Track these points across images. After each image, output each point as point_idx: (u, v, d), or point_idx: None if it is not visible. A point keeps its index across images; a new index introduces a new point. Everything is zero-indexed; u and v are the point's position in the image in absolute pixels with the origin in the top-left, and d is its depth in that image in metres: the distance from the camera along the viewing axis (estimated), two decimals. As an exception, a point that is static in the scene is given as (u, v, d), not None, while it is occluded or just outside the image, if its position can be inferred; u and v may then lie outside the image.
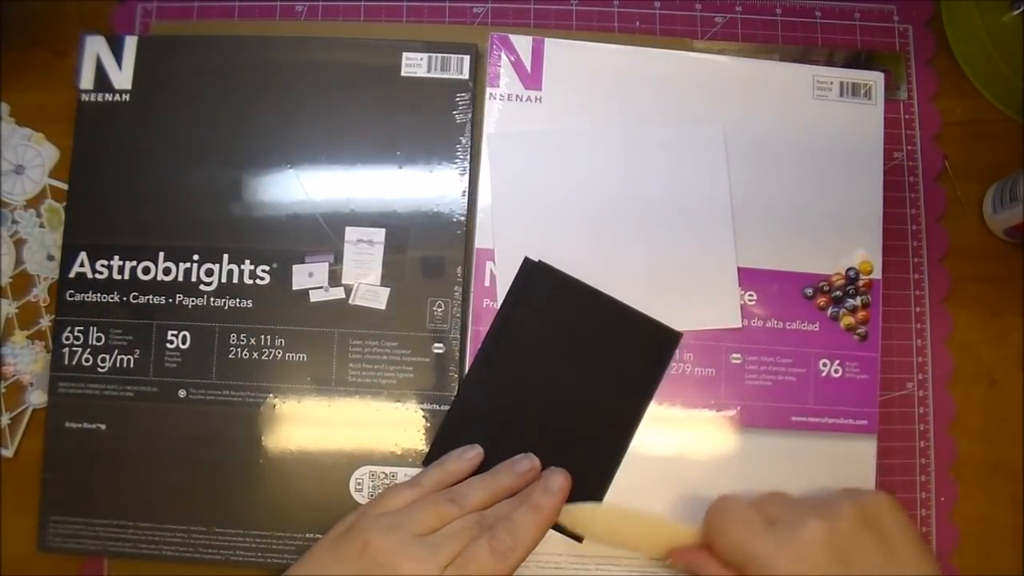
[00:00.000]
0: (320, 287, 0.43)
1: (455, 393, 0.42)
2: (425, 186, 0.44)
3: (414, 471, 0.42)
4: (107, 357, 0.43)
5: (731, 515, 0.36)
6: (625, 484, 0.42)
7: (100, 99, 0.45)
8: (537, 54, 0.45)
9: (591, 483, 0.41)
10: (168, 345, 0.43)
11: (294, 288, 0.43)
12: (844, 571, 0.33)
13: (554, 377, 0.41)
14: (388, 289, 0.43)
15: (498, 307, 0.42)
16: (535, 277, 0.42)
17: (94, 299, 0.44)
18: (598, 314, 0.42)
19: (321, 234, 0.44)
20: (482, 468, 0.40)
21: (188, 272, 0.44)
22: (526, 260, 0.42)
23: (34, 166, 0.47)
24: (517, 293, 0.42)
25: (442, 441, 0.41)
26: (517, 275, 0.42)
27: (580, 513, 0.38)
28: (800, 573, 0.33)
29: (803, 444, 0.42)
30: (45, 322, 0.46)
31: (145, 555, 0.42)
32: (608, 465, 0.41)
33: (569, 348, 0.42)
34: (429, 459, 0.41)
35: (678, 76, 0.45)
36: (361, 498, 0.42)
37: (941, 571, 0.34)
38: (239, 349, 0.43)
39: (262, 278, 0.43)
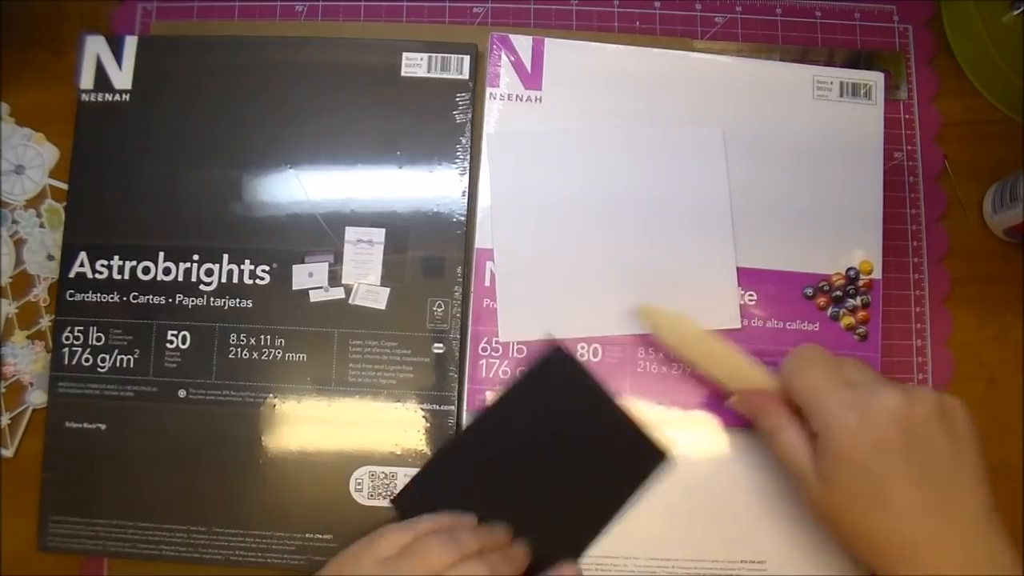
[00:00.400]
0: (320, 287, 0.43)
1: (447, 438, 0.42)
2: (425, 186, 0.44)
3: (414, 471, 0.42)
4: (107, 357, 0.43)
5: (816, 361, 0.35)
6: (625, 484, 0.42)
7: (100, 99, 0.45)
8: (537, 54, 0.45)
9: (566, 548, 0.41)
10: (168, 345, 0.43)
11: (294, 288, 0.43)
12: (909, 450, 0.33)
13: (537, 460, 0.41)
14: (388, 289, 0.43)
15: (507, 390, 0.41)
16: (555, 363, 0.41)
17: (94, 299, 0.44)
18: (600, 413, 0.41)
19: (321, 234, 0.44)
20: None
21: (188, 272, 0.44)
22: (553, 348, 0.41)
23: (34, 166, 0.47)
24: (533, 375, 0.41)
25: (421, 479, 0.41)
26: (541, 357, 0.41)
27: (671, 319, 0.41)
28: (866, 437, 0.33)
29: (803, 444, 0.42)
30: (45, 322, 0.46)
31: (145, 555, 0.42)
32: (575, 548, 0.41)
33: (560, 437, 0.41)
34: (400, 498, 0.41)
35: (678, 76, 0.45)
36: (361, 498, 0.42)
37: (991, 495, 0.34)
38: (239, 349, 0.43)
39: (262, 278, 0.44)
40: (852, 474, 0.33)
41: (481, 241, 0.43)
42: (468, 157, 0.44)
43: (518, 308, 0.43)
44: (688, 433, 0.42)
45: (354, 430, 0.42)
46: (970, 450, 0.34)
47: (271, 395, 0.43)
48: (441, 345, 0.43)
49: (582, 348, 0.43)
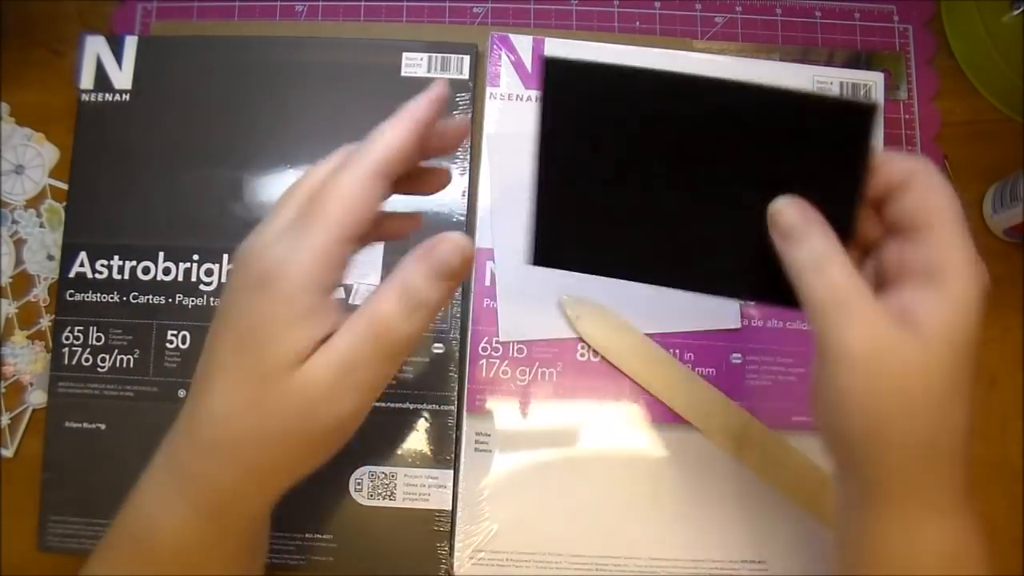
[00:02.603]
0: (320, 287, 0.43)
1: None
2: (425, 186, 0.44)
3: (414, 471, 0.42)
4: (107, 357, 0.43)
5: (949, 187, 0.27)
6: (621, 484, 0.42)
7: (100, 99, 0.45)
8: (537, 54, 0.45)
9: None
10: (168, 345, 0.43)
11: (294, 288, 0.43)
12: (972, 360, 0.26)
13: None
14: (388, 289, 0.43)
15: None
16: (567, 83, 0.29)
17: (94, 299, 0.44)
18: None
19: (321, 234, 0.44)
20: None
21: (188, 272, 0.44)
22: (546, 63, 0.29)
23: (34, 166, 0.47)
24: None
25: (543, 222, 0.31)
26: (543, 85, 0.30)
27: (592, 312, 0.39)
28: (977, 315, 0.26)
29: (803, 444, 0.42)
30: (45, 322, 0.46)
31: (145, 555, 0.42)
32: None
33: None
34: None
35: (678, 76, 0.45)
36: (361, 498, 0.42)
37: None
38: (239, 349, 0.43)
39: (262, 278, 0.43)
40: (955, 351, 0.26)
41: (481, 241, 0.43)
42: (468, 157, 0.44)
43: (518, 308, 0.43)
44: (688, 434, 0.42)
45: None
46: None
47: (271, 395, 0.43)
48: (441, 345, 0.43)
49: (582, 349, 0.43)
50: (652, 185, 0.31)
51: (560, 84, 0.29)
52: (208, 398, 0.28)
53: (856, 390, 0.26)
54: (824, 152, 0.28)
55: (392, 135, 0.28)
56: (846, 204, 0.28)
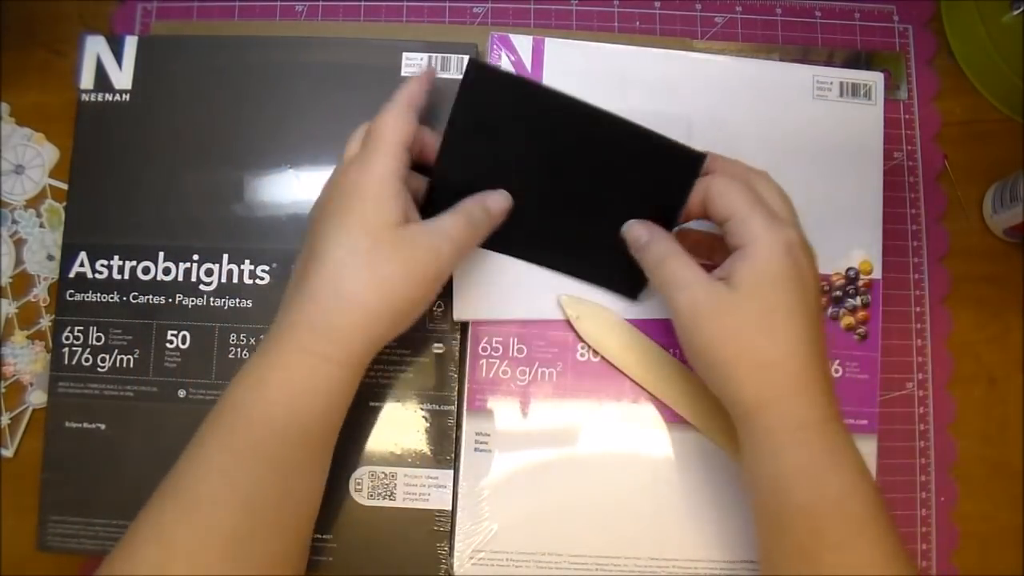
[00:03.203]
0: (320, 287, 0.43)
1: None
2: (425, 186, 0.44)
3: (414, 471, 0.42)
4: (107, 357, 0.43)
5: (740, 182, 0.36)
6: (621, 484, 0.42)
7: (100, 99, 0.45)
8: (537, 54, 0.45)
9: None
10: (168, 345, 0.43)
11: (294, 288, 0.43)
12: (799, 289, 0.34)
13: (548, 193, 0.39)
14: (388, 289, 0.43)
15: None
16: (481, 84, 0.36)
17: (94, 299, 0.44)
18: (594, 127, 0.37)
19: (321, 234, 0.44)
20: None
21: (188, 272, 0.44)
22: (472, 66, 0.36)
23: (34, 166, 0.47)
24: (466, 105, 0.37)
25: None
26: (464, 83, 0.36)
27: (592, 310, 0.42)
28: (780, 262, 0.34)
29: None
30: (45, 322, 0.46)
31: (145, 555, 0.42)
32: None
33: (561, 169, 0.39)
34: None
35: (678, 76, 0.45)
36: (361, 498, 0.42)
37: None
38: (239, 349, 0.43)
39: (262, 278, 0.43)
40: (761, 293, 0.33)
41: (481, 241, 0.43)
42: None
43: (472, 288, 0.42)
44: (687, 433, 0.42)
45: (354, 430, 0.42)
46: (818, 299, 0.35)
47: (271, 395, 0.43)
48: (441, 345, 0.43)
49: (582, 349, 0.43)
50: (533, 184, 0.39)
51: (476, 83, 0.36)
52: (323, 268, 0.34)
53: (691, 338, 0.35)
54: (664, 175, 0.38)
55: (413, 80, 0.38)
56: (674, 207, 0.38)
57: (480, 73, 0.36)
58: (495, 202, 0.38)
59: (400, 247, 0.34)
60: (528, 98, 0.36)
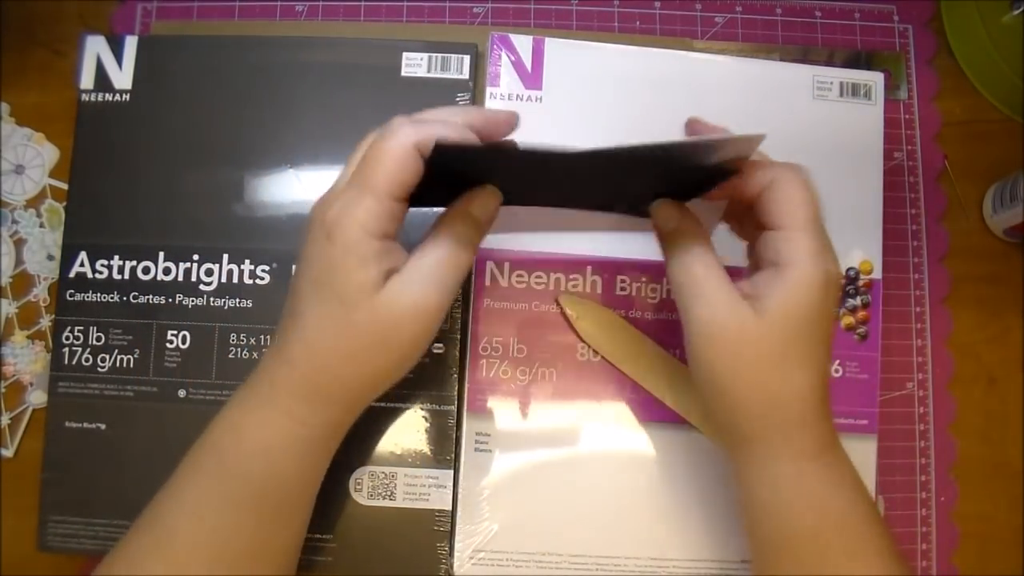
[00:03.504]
0: (320, 287, 0.43)
1: None
2: (425, 186, 0.44)
3: (414, 471, 0.42)
4: (107, 357, 0.43)
5: (810, 187, 0.32)
6: (621, 484, 0.42)
7: (100, 99, 0.45)
8: (537, 54, 0.45)
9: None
10: (168, 345, 0.43)
11: (294, 288, 0.43)
12: (827, 325, 0.32)
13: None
14: (388, 289, 0.43)
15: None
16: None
17: (94, 299, 0.44)
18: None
19: (321, 234, 0.44)
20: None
21: (188, 272, 0.44)
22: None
23: (34, 166, 0.47)
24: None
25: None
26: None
27: (591, 310, 0.41)
28: (823, 292, 0.31)
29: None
30: (45, 322, 0.46)
31: (145, 555, 0.42)
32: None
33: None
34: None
35: (678, 76, 0.45)
36: (361, 498, 0.42)
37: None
38: (239, 349, 0.43)
39: (262, 278, 0.43)
40: (787, 326, 0.30)
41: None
42: (468, 157, 0.44)
43: None
44: (688, 434, 0.42)
45: (354, 430, 0.42)
46: (832, 334, 0.34)
47: (271, 395, 0.43)
48: (441, 345, 0.43)
49: (582, 349, 0.43)
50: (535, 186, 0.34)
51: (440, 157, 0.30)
52: (300, 332, 0.31)
53: (702, 355, 0.32)
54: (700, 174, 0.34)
55: (442, 119, 0.31)
56: (703, 188, 0.34)
57: (443, 150, 0.29)
58: (481, 206, 0.33)
59: (377, 318, 0.30)
60: (504, 158, 0.31)
